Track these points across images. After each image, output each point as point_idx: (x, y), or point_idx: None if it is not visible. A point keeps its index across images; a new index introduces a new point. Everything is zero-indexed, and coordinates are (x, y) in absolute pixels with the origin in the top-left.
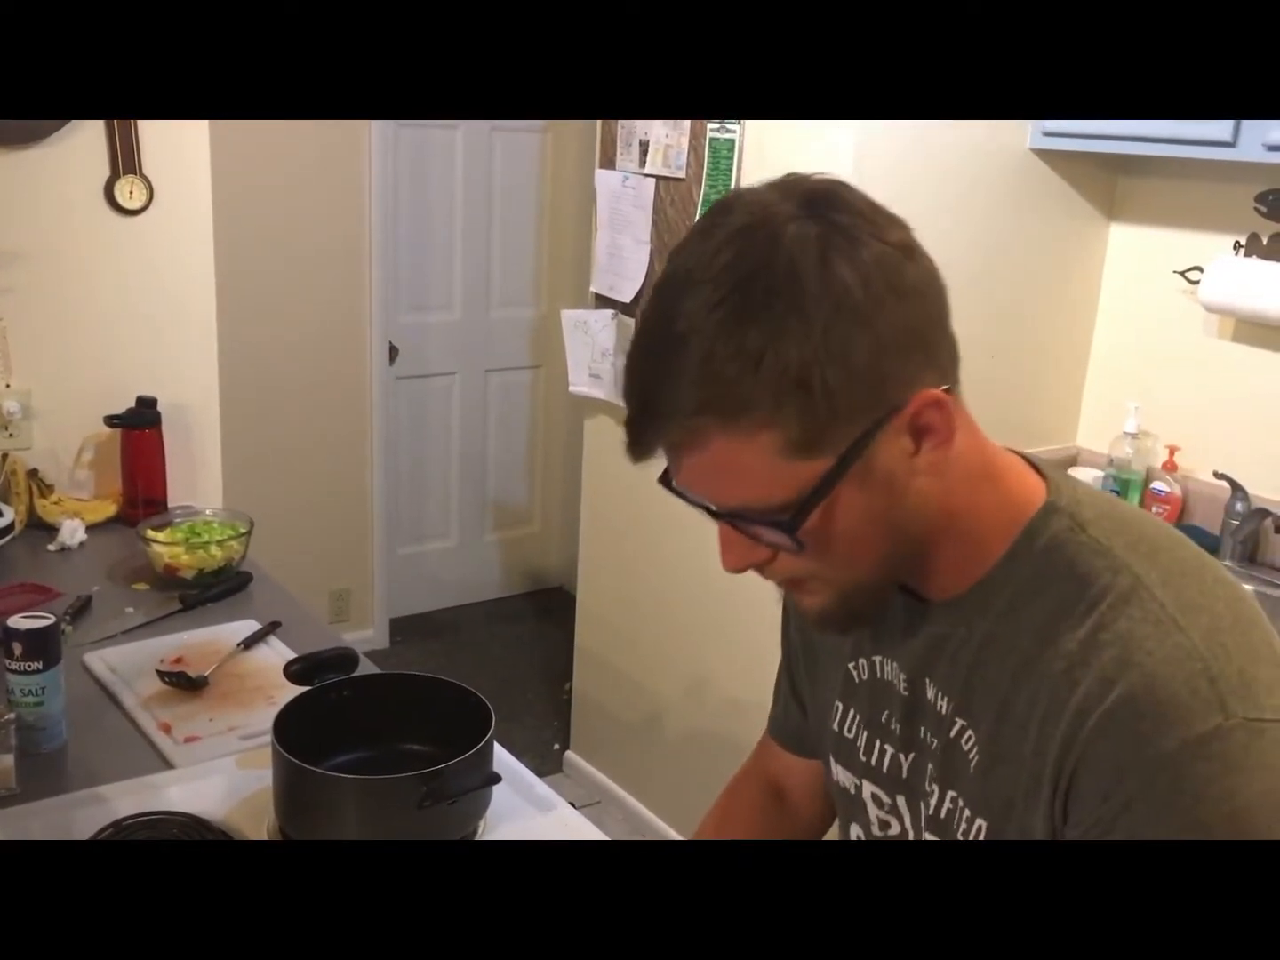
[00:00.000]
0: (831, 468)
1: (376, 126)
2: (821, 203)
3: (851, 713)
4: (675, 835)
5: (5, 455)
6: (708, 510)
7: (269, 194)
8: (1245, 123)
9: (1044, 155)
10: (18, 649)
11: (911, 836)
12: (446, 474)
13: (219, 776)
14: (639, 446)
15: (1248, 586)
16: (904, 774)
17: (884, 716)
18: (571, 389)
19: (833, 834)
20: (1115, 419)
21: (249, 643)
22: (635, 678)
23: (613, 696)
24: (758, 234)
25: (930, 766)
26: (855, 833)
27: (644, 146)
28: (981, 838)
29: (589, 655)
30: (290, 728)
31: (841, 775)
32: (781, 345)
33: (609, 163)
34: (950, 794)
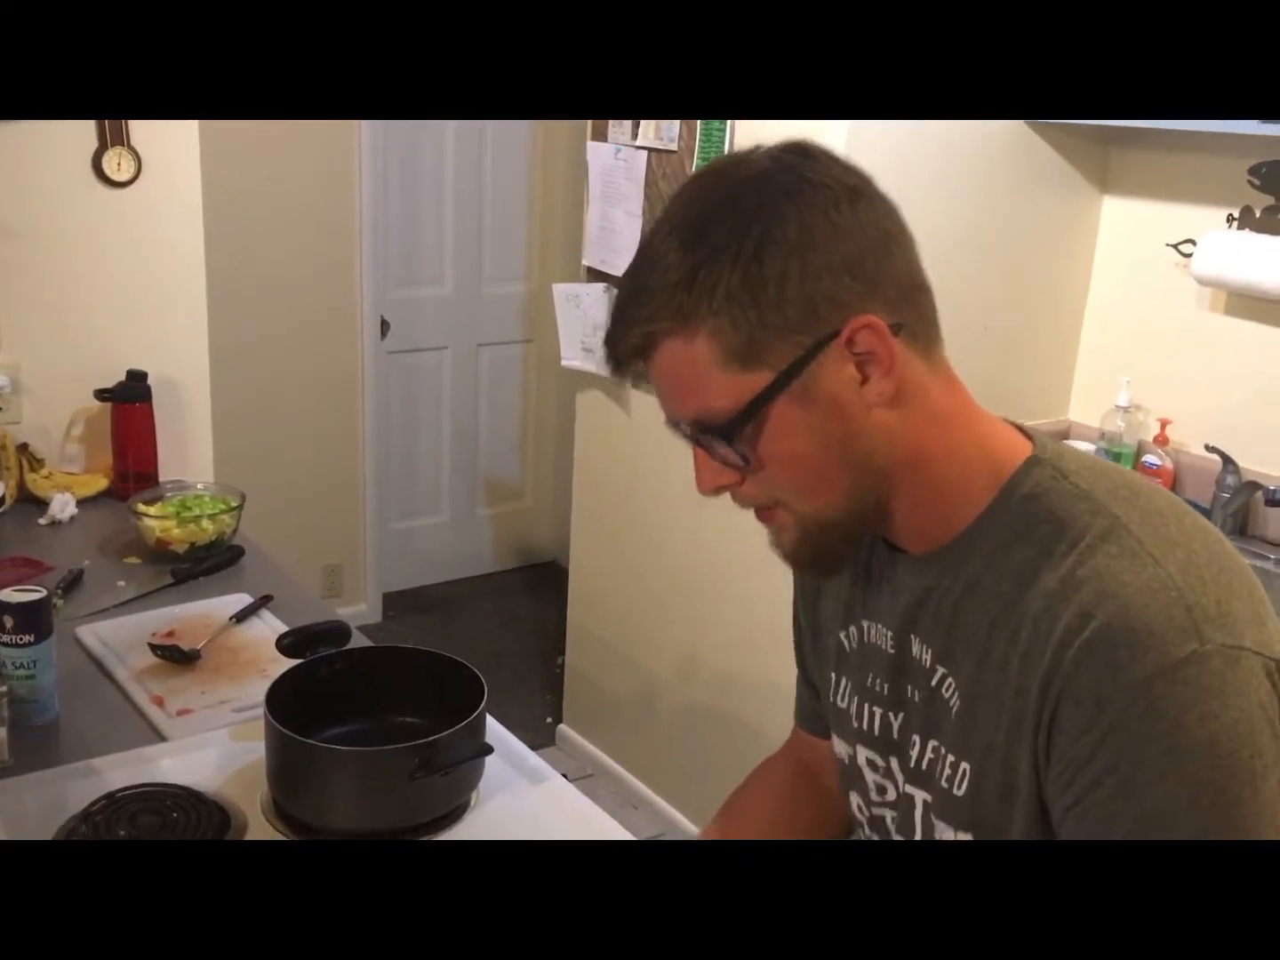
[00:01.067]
0: (770, 383)
1: None
2: (783, 149)
3: (844, 682)
4: (666, 806)
5: None
6: (682, 432)
7: (259, 167)
8: None
9: (1037, 128)
10: (9, 622)
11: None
12: (438, 449)
13: (212, 749)
14: (610, 355)
15: None
16: (894, 735)
17: (870, 679)
18: (563, 362)
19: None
20: (1107, 393)
21: (241, 616)
22: (627, 652)
23: (605, 670)
24: (717, 174)
25: (912, 727)
26: (855, 801)
27: (635, 120)
28: (965, 782)
29: (581, 629)
30: (283, 700)
31: (839, 746)
32: (717, 263)
33: (601, 135)
34: (931, 743)
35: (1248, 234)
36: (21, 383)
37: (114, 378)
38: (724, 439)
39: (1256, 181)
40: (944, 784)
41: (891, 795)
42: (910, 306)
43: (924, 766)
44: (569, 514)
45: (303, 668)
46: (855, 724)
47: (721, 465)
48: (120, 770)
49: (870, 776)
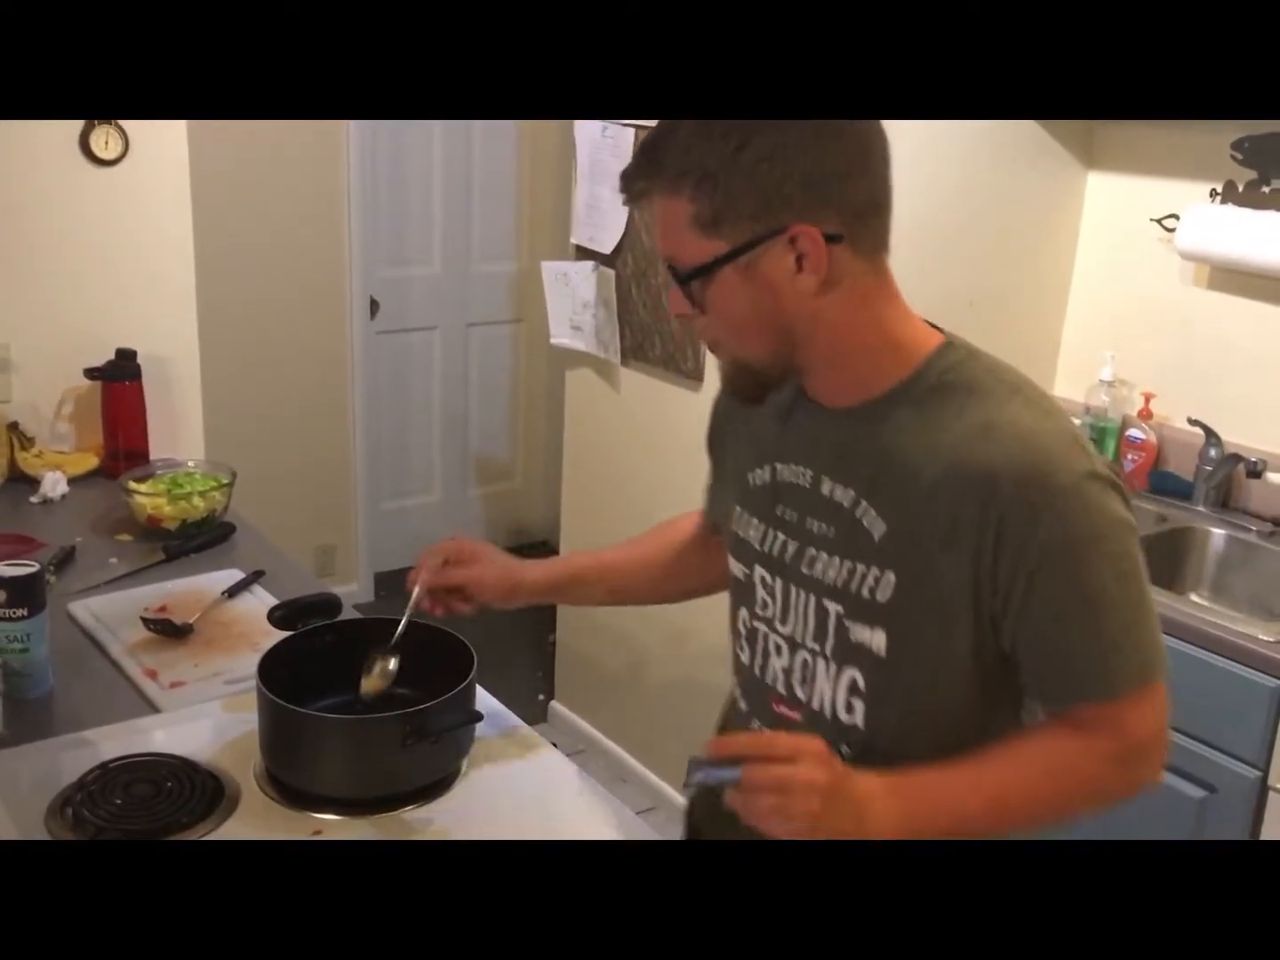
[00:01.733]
0: (724, 251)
1: None
2: None
3: (746, 514)
4: (657, 781)
5: None
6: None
7: (247, 147)
8: None
9: None
10: (2, 596)
11: (779, 614)
12: (428, 429)
13: (205, 720)
14: (627, 189)
15: (1219, 531)
16: (787, 559)
17: (779, 510)
18: (553, 340)
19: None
20: (1092, 367)
21: (233, 591)
22: (617, 628)
23: (595, 647)
24: None
25: (818, 552)
26: (742, 615)
27: None
28: (890, 589)
29: (572, 607)
30: (275, 671)
31: (735, 566)
32: (705, 149)
33: None
34: (848, 564)
35: (1231, 208)
36: (11, 361)
37: (103, 356)
38: (683, 285)
39: (1239, 156)
40: (864, 594)
41: (770, 612)
42: (859, 223)
43: (839, 584)
44: (560, 493)
45: (294, 639)
46: (758, 548)
47: (679, 296)
48: (114, 741)
49: (760, 593)
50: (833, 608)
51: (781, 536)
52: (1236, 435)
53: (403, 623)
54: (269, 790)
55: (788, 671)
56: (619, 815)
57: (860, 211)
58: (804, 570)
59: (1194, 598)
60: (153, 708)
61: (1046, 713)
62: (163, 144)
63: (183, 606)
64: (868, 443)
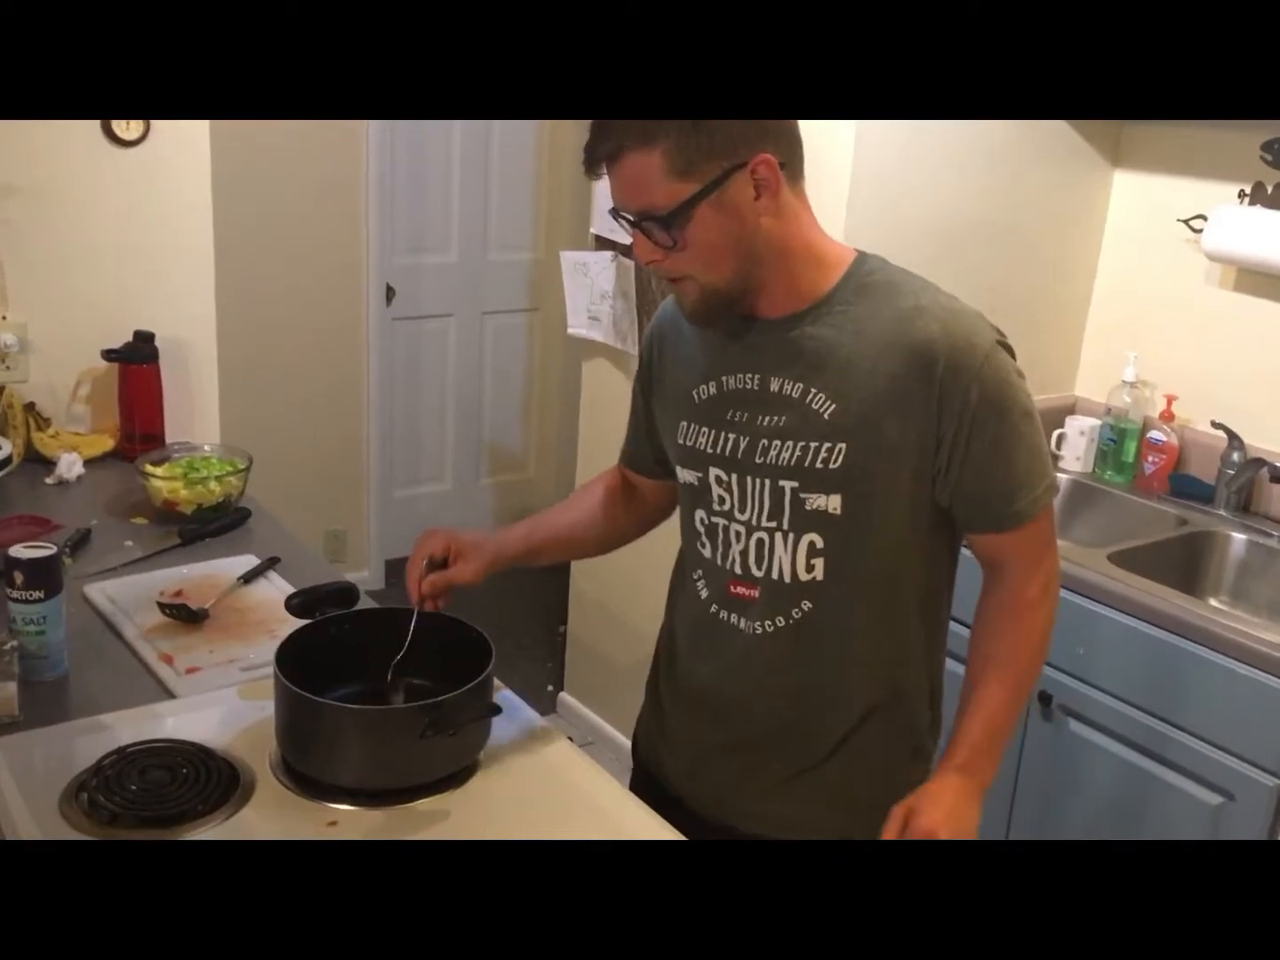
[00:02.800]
0: (697, 190)
1: None
2: None
3: (694, 425)
4: None
5: (2, 388)
6: (626, 220)
7: (267, 132)
8: None
9: None
10: (19, 578)
11: (736, 505)
12: (442, 416)
13: (220, 707)
14: (587, 161)
15: (1240, 536)
16: (740, 454)
17: (729, 414)
18: (570, 330)
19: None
20: (1114, 368)
21: (249, 577)
22: (628, 620)
23: (606, 639)
24: None
25: (770, 441)
26: (699, 516)
27: None
28: (841, 457)
29: (583, 598)
30: (292, 659)
31: (687, 475)
32: None
33: None
34: (802, 444)
35: (1259, 210)
36: (29, 342)
37: (121, 338)
38: (663, 227)
39: (1269, 157)
40: (818, 465)
41: (727, 505)
42: (791, 152)
43: (792, 463)
44: (572, 483)
45: (312, 628)
46: (710, 451)
47: (650, 245)
48: (129, 726)
49: (716, 491)
50: (788, 485)
51: (733, 436)
52: (1260, 439)
53: (410, 634)
54: (284, 779)
55: (744, 554)
56: (635, 812)
57: (790, 142)
58: (757, 460)
59: (1213, 602)
60: (168, 693)
61: (979, 545)
62: (184, 126)
63: (198, 591)
64: (810, 341)
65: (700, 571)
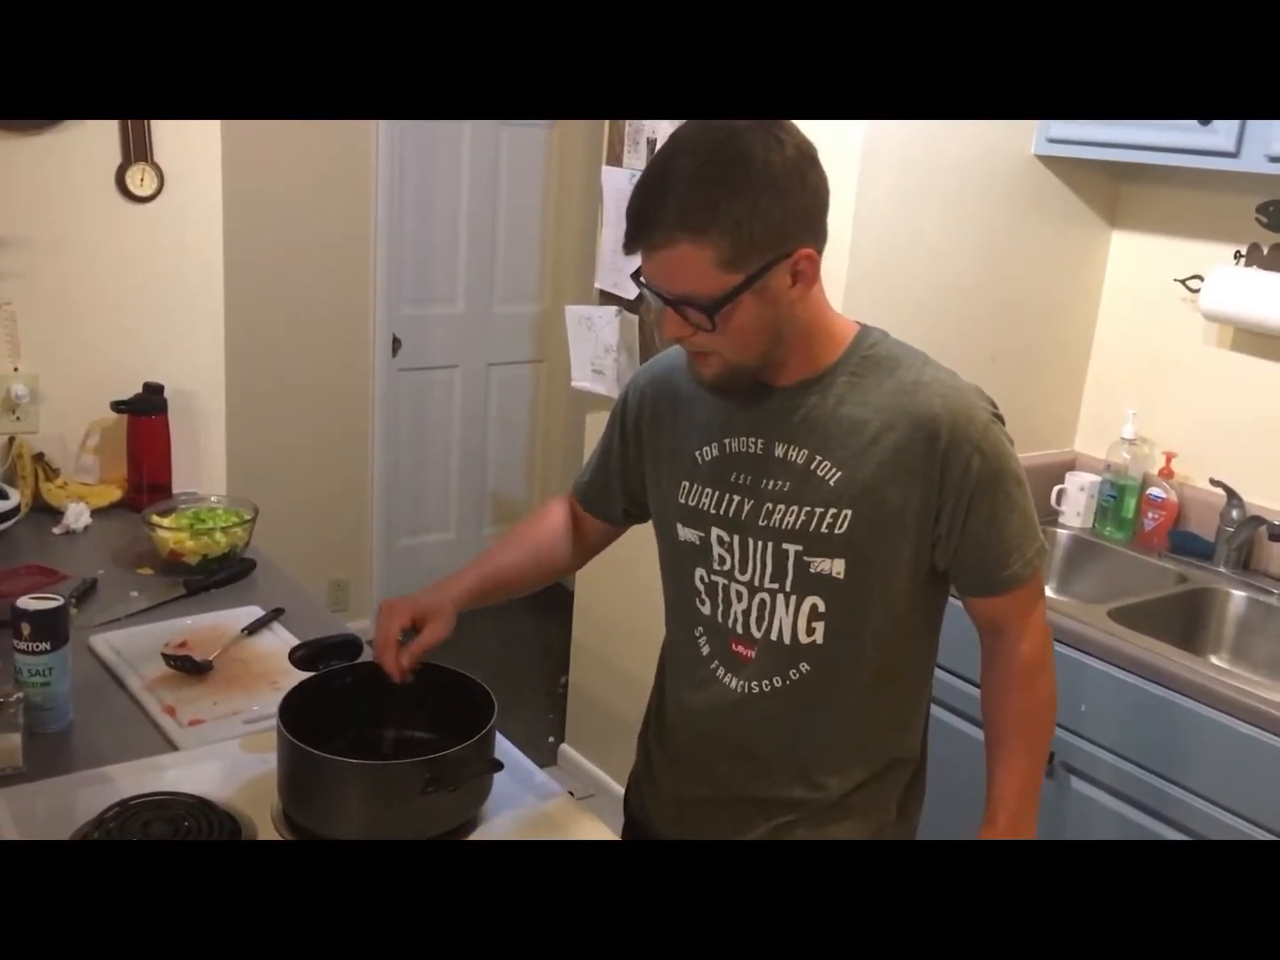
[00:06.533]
0: (742, 281)
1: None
2: (768, 121)
3: (695, 486)
4: None
5: (12, 438)
6: (660, 297)
7: (277, 184)
8: (1248, 134)
9: (1048, 161)
10: (26, 629)
11: (738, 565)
12: (446, 466)
13: (223, 759)
14: (632, 244)
15: (1240, 593)
16: (743, 516)
17: (733, 476)
18: (574, 383)
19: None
20: (1113, 425)
21: (253, 629)
22: (630, 672)
23: (608, 691)
24: (726, 129)
25: (775, 505)
26: (699, 574)
27: (651, 145)
28: (846, 523)
29: (585, 650)
30: (295, 712)
31: (688, 534)
32: (731, 200)
33: (616, 160)
34: (806, 509)
35: (1255, 271)
36: (39, 392)
37: (131, 390)
38: (705, 314)
39: (1265, 219)
40: (823, 530)
41: (727, 565)
42: (822, 239)
43: (796, 528)
44: None
45: (315, 680)
46: (712, 511)
47: (684, 323)
48: (132, 778)
49: (717, 551)
50: (791, 548)
51: (737, 498)
52: (1259, 497)
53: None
54: (285, 833)
55: (746, 613)
56: None
57: (823, 234)
58: (760, 523)
59: (1214, 660)
60: (171, 745)
61: (977, 610)
62: (196, 181)
63: (203, 643)
64: (814, 411)
65: (701, 629)
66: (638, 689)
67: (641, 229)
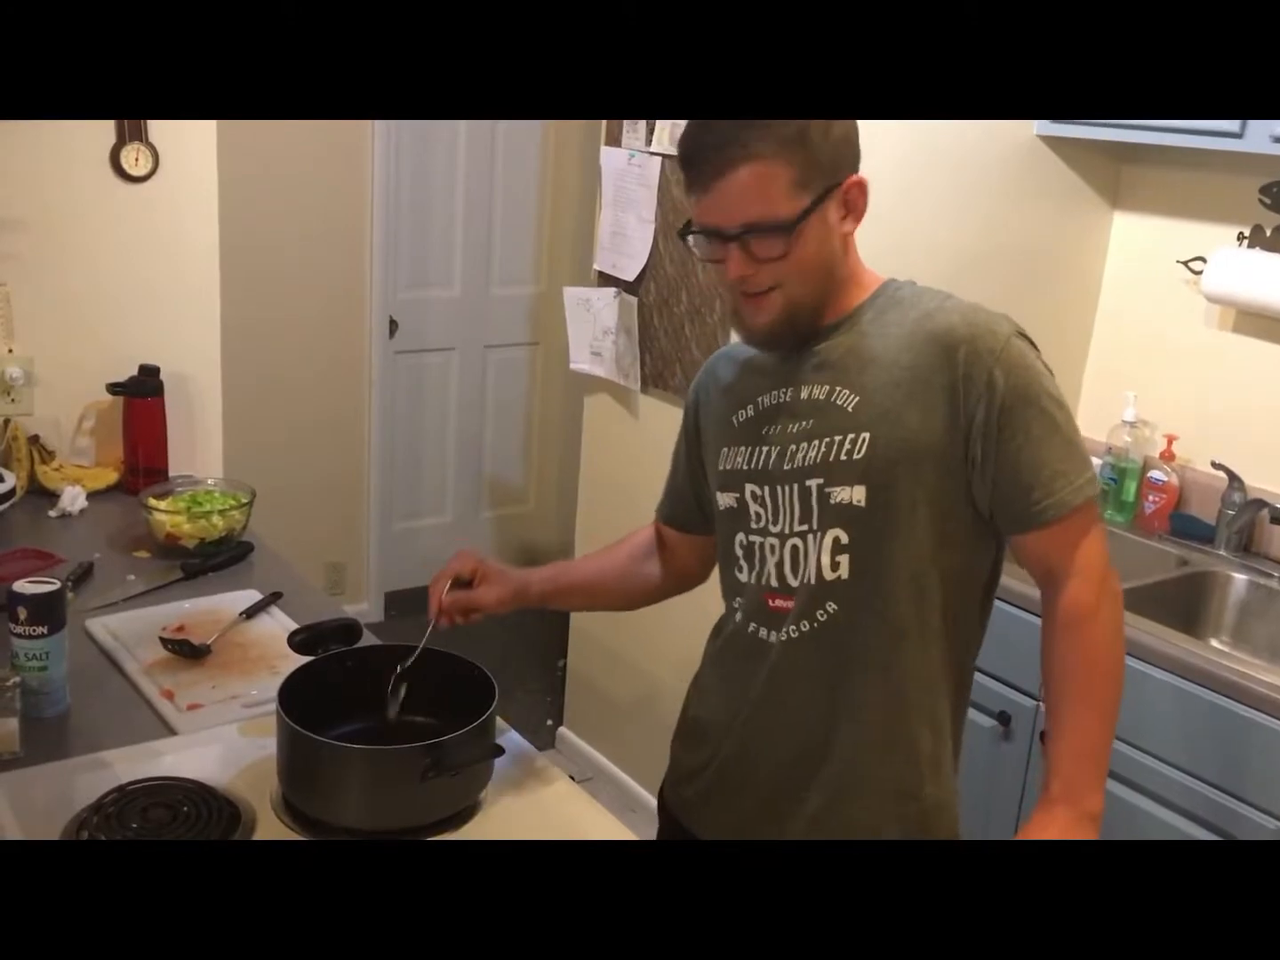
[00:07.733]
0: (810, 203)
1: None
2: None
3: (729, 450)
4: None
5: (7, 421)
6: (722, 237)
7: (273, 166)
8: None
9: (1050, 142)
10: (22, 614)
11: (770, 518)
12: (443, 450)
13: (222, 744)
14: (708, 168)
15: (1241, 576)
16: (770, 465)
17: (764, 430)
18: (573, 366)
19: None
20: (1114, 407)
21: (251, 612)
22: (628, 656)
23: (606, 674)
24: None
25: (798, 445)
26: (739, 539)
27: (650, 124)
28: (865, 446)
29: (583, 633)
30: (295, 697)
31: (727, 499)
32: (799, 122)
33: (615, 140)
34: (826, 439)
35: (1258, 252)
36: (34, 375)
37: (126, 372)
38: (782, 234)
39: (1268, 200)
40: (842, 457)
41: (763, 522)
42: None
43: (817, 461)
44: (572, 517)
45: (314, 665)
46: (745, 468)
47: (750, 259)
48: (130, 763)
49: (752, 509)
50: (814, 483)
51: (765, 449)
52: (1260, 479)
53: (416, 651)
54: (285, 818)
55: (779, 565)
56: None
57: (859, 165)
58: (785, 467)
59: (1214, 643)
60: (169, 729)
61: (1026, 552)
62: (191, 161)
63: (200, 626)
64: (839, 350)
65: (739, 599)
66: (635, 673)
67: (720, 150)
